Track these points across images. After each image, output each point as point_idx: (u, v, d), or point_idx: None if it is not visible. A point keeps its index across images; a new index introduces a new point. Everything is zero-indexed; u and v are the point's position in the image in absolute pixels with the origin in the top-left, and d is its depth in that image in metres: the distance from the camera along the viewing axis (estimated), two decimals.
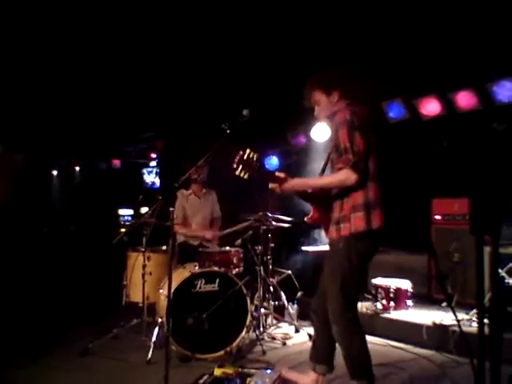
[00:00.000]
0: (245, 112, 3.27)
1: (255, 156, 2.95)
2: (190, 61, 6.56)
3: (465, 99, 5.41)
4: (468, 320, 4.29)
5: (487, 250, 2.02)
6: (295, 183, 3.06)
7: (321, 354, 3.22)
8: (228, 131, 3.22)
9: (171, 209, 3.30)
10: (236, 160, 2.96)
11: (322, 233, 3.26)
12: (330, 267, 3.04)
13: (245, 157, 2.94)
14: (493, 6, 4.65)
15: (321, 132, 6.53)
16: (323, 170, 3.27)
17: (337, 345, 3.10)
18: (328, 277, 3.04)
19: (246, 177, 2.97)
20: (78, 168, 12.51)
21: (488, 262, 3.10)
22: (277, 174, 3.06)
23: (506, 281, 4.40)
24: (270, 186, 3.09)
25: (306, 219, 3.23)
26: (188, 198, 5.26)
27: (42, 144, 10.56)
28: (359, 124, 2.90)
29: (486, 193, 1.54)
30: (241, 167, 2.95)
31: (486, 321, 1.70)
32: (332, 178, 2.99)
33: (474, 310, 4.35)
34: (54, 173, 13.16)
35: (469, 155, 5.01)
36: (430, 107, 5.73)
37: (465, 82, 5.40)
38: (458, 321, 3.42)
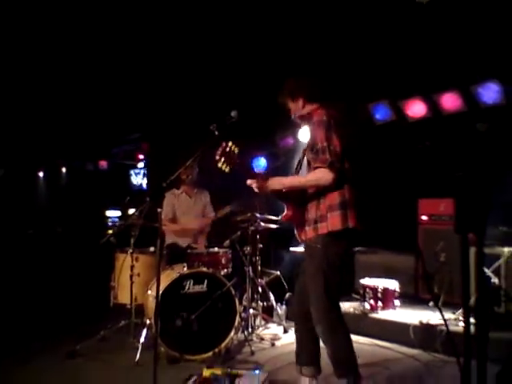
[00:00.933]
0: (233, 113, 3.27)
1: (237, 150, 2.97)
2: (178, 62, 6.56)
3: (450, 101, 5.47)
4: (455, 319, 4.33)
5: (473, 249, 2.05)
6: (273, 182, 3.06)
7: (306, 356, 3.22)
8: (216, 133, 3.23)
9: (159, 210, 3.29)
10: (219, 152, 2.98)
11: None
12: (310, 269, 3.05)
13: (227, 149, 2.97)
14: (477, 8, 4.71)
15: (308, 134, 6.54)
16: (297, 168, 3.29)
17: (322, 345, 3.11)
18: (310, 278, 3.05)
19: (227, 170, 2.99)
20: (64, 169, 12.41)
21: (473, 262, 3.15)
22: (256, 171, 3.10)
23: (492, 280, 4.46)
24: (248, 183, 3.10)
25: (280, 217, 3.26)
26: (179, 197, 5.26)
27: (28, 145, 10.47)
28: (335, 125, 2.96)
29: (471, 192, 1.56)
30: (223, 160, 2.97)
31: (472, 320, 1.73)
32: (309, 177, 3.01)
33: (461, 310, 4.39)
34: (40, 174, 13.05)
35: (453, 155, 5.07)
36: (416, 109, 5.79)
37: (450, 83, 5.46)
38: (445, 320, 3.45)
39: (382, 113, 6.11)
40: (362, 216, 2.97)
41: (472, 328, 1.68)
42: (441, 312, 3.03)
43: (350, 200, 2.95)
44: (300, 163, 3.29)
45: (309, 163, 3.09)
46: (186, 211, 5.26)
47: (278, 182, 3.07)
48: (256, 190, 3.10)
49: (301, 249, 5.80)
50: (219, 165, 2.99)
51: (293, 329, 4.80)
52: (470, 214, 1.55)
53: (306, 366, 3.19)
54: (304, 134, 6.58)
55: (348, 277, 5.80)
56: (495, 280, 4.45)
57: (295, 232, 3.22)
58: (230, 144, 2.98)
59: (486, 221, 1.56)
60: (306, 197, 3.08)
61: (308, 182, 3.02)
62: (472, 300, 1.88)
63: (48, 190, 12.97)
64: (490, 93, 5.16)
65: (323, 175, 2.88)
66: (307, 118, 3.19)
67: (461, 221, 1.57)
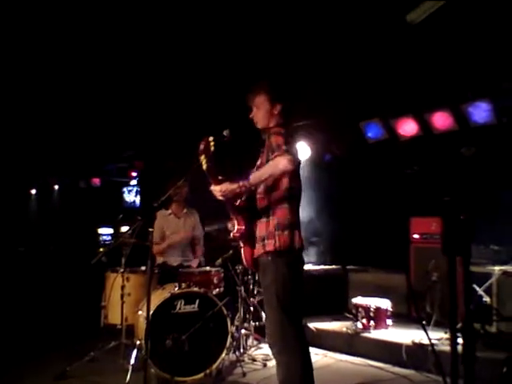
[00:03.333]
0: (225, 132, 3.28)
1: (213, 148, 2.98)
2: (171, 80, 6.59)
3: (441, 120, 5.52)
4: (446, 339, 4.31)
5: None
6: (232, 185, 2.96)
7: None
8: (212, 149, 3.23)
9: (150, 229, 3.28)
10: (202, 146, 2.99)
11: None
12: (264, 286, 3.04)
13: (209, 145, 2.99)
14: (468, 28, 4.78)
15: (300, 151, 6.58)
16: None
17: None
18: (264, 293, 3.04)
19: (204, 167, 3.00)
20: (56, 187, 12.37)
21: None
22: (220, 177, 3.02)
23: (484, 299, 4.45)
24: (212, 188, 3.04)
25: (232, 234, 3.14)
26: (167, 218, 5.22)
27: (20, 162, 10.45)
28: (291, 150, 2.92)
29: (457, 216, 1.58)
30: (203, 155, 2.99)
31: (459, 340, 1.73)
32: (265, 168, 2.92)
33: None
34: (33, 192, 13.01)
35: (440, 179, 5.11)
36: (407, 127, 5.84)
37: (441, 102, 5.51)
38: (430, 339, 3.43)
39: (374, 131, 6.16)
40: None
41: (460, 348, 1.68)
42: (426, 332, 2.99)
43: (297, 221, 3.00)
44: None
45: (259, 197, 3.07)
46: (174, 232, 5.21)
47: (239, 185, 2.95)
48: (219, 196, 3.02)
49: None
50: (200, 158, 3.00)
51: None
52: (457, 237, 1.57)
53: None
54: (299, 153, 6.62)
55: (340, 295, 5.81)
56: (487, 299, 4.45)
57: (243, 252, 3.15)
58: (211, 139, 2.99)
59: (471, 243, 1.57)
60: (257, 211, 3.07)
61: (265, 172, 2.91)
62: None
63: (40, 207, 12.92)
64: (480, 112, 5.22)
65: (282, 162, 2.81)
66: (267, 131, 3.13)
67: (448, 243, 1.58)
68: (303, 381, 2.85)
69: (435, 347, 4.18)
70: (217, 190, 3.01)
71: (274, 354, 2.96)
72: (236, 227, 3.11)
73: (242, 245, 3.16)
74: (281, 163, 2.82)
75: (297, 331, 2.93)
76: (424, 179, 5.40)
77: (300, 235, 2.99)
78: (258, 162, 3.15)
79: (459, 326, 4.26)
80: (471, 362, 1.53)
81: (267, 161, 2.96)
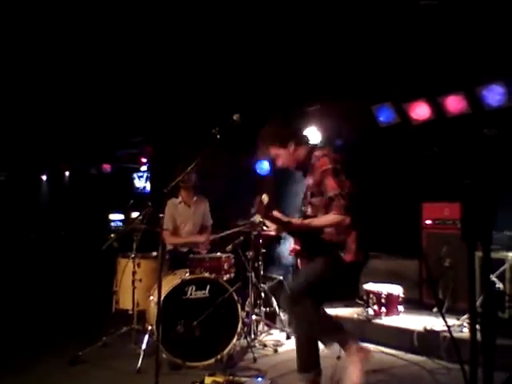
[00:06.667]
0: (235, 117, 3.26)
1: (266, 200, 3.10)
2: (181, 66, 6.53)
3: (454, 103, 5.43)
4: (459, 326, 4.28)
5: (478, 254, 2.00)
6: (295, 225, 3.17)
7: (305, 363, 3.23)
8: (218, 136, 3.21)
9: (161, 215, 3.27)
10: (258, 207, 3.09)
11: None
12: (313, 266, 3.17)
13: (263, 203, 3.10)
14: (482, 10, 4.67)
15: (312, 137, 6.54)
16: (302, 205, 3.39)
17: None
18: (308, 269, 3.22)
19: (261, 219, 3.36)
20: (67, 173, 12.41)
21: (479, 267, 3.10)
22: (278, 216, 3.18)
23: (497, 285, 4.40)
24: (268, 224, 3.32)
25: (289, 252, 3.41)
26: (177, 207, 5.18)
27: (31, 148, 10.47)
28: (341, 168, 3.13)
29: (478, 199, 1.53)
30: (260, 214, 3.16)
31: (477, 326, 1.69)
32: (327, 223, 3.10)
33: (465, 316, 4.34)
34: (44, 177, 13.06)
35: (460, 161, 5.02)
36: (420, 111, 5.75)
37: (454, 86, 5.41)
38: (449, 327, 3.41)
39: (385, 115, 6.07)
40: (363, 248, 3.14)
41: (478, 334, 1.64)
42: (444, 318, 2.96)
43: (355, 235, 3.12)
44: (305, 198, 3.37)
45: (312, 205, 3.22)
46: (185, 221, 5.18)
47: (300, 225, 3.16)
48: (274, 232, 3.36)
49: None
50: (256, 218, 3.24)
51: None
52: (477, 222, 1.52)
53: (305, 373, 3.19)
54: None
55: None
56: (499, 285, 4.40)
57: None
58: (264, 197, 3.11)
59: (492, 228, 1.52)
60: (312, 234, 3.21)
61: (326, 226, 3.11)
62: (478, 304, 1.84)
63: (51, 193, 12.99)
64: (494, 95, 5.12)
65: (342, 221, 3.02)
66: (305, 166, 3.30)
67: (467, 228, 1.53)
68: (331, 325, 3.16)
69: (447, 334, 4.16)
70: (272, 228, 3.27)
71: (291, 311, 3.19)
72: (292, 246, 3.34)
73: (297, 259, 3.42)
74: (342, 224, 3.03)
75: (315, 303, 3.10)
76: (443, 161, 5.31)
77: (358, 249, 3.11)
78: (309, 182, 3.27)
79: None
80: (491, 351, 1.49)
81: (318, 181, 3.14)
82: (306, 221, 3.18)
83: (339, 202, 3.02)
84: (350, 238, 3.10)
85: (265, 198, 3.08)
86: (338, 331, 3.12)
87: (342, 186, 3.06)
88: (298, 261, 3.39)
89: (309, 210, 3.25)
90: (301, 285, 3.14)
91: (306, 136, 3.50)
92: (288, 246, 3.67)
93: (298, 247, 3.30)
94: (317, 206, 3.18)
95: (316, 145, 3.41)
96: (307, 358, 3.23)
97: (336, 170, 3.10)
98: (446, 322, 2.82)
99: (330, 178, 3.08)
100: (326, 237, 3.12)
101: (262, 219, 3.31)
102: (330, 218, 3.07)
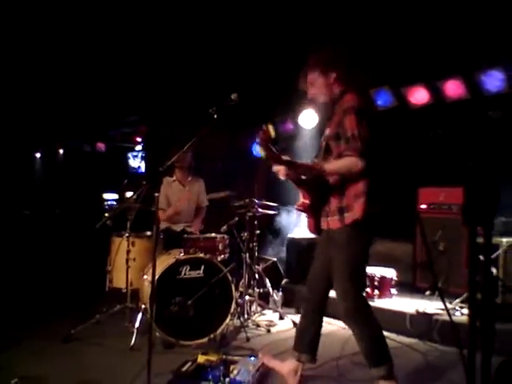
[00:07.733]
0: (233, 96, 3.22)
1: (273, 133, 2.86)
2: (177, 44, 6.45)
3: (453, 88, 5.40)
4: (452, 309, 4.31)
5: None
6: (304, 166, 2.92)
7: (306, 343, 3.20)
8: (215, 116, 3.17)
9: (156, 194, 3.24)
10: (261, 137, 2.79)
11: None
12: (337, 260, 2.96)
13: (268, 133, 2.88)
14: None
15: (308, 119, 6.50)
16: (317, 155, 3.15)
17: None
18: (337, 269, 2.97)
19: (264, 156, 2.87)
20: (61, 151, 12.29)
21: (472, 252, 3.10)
22: (283, 157, 2.87)
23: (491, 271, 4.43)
24: (274, 168, 2.99)
25: (296, 206, 3.13)
26: (171, 185, 5.16)
27: (25, 126, 10.36)
28: (367, 111, 2.87)
29: (480, 184, 1.51)
30: (263, 146, 2.79)
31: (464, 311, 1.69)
32: (340, 165, 2.86)
33: (458, 300, 4.37)
34: (37, 155, 12.95)
35: (464, 143, 5.00)
36: (419, 96, 5.71)
37: (453, 70, 5.38)
38: (448, 310, 3.41)
39: (383, 99, 6.03)
40: (378, 201, 2.92)
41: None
42: (443, 301, 2.94)
43: (371, 187, 2.88)
44: (317, 156, 3.14)
45: (327, 149, 2.99)
46: (179, 199, 5.15)
47: (307, 168, 2.92)
48: (282, 176, 2.99)
49: (298, 235, 5.77)
50: (260, 151, 2.90)
51: (288, 316, 4.86)
52: (480, 206, 1.50)
53: (304, 354, 3.17)
54: (305, 119, 6.52)
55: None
56: (493, 270, 4.42)
57: (308, 221, 3.14)
58: (269, 128, 2.85)
59: (494, 213, 1.51)
60: (328, 186, 2.97)
61: (339, 169, 2.86)
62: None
63: (45, 171, 12.88)
64: (493, 80, 5.09)
65: (355, 164, 2.77)
66: (334, 99, 3.03)
67: (469, 213, 1.51)
68: (383, 345, 2.96)
69: (439, 317, 4.20)
70: (281, 170, 2.96)
71: (349, 325, 3.00)
72: (300, 200, 3.07)
73: (306, 216, 3.14)
74: (356, 168, 2.77)
75: (365, 301, 3.05)
76: (446, 143, 5.27)
77: (375, 200, 2.89)
78: (327, 131, 3.03)
79: (465, 296, 4.25)
80: (490, 335, 1.49)
81: (338, 122, 2.88)
82: (317, 164, 2.92)
83: (356, 143, 2.76)
84: (360, 187, 2.85)
85: (270, 127, 2.83)
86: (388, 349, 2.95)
87: (362, 128, 2.78)
88: (308, 220, 3.13)
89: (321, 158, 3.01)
90: (347, 290, 2.94)
91: (349, 76, 3.10)
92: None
93: (306, 201, 3.05)
94: (330, 157, 2.94)
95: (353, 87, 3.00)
96: (308, 341, 3.18)
97: (361, 110, 2.82)
98: (445, 304, 2.82)
99: (352, 117, 2.80)
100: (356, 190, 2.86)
101: (264, 155, 2.83)
102: (343, 161, 2.81)
